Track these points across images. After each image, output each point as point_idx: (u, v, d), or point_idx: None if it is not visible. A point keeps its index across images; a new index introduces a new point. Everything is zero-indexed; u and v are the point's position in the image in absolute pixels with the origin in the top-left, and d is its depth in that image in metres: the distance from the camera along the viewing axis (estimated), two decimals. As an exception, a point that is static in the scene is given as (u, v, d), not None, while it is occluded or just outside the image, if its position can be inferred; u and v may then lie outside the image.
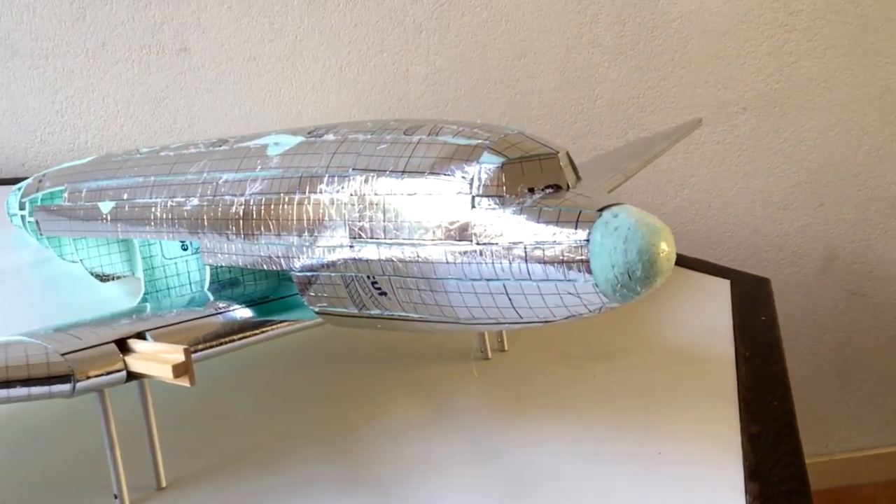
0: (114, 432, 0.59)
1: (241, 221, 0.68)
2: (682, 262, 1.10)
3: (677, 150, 1.70)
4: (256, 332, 0.66)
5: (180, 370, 0.53)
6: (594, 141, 1.68)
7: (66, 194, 0.90)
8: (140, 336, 0.60)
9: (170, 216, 0.74)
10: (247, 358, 0.81)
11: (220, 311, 0.66)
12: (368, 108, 1.56)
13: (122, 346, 0.60)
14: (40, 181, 0.97)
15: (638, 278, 0.51)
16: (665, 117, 1.69)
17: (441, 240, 0.57)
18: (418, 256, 0.58)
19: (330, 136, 0.67)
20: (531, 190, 0.57)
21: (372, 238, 0.60)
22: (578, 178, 0.60)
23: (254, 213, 0.67)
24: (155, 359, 0.55)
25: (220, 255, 0.71)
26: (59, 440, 0.68)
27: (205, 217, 0.71)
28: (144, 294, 0.78)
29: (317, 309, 0.66)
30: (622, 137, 1.69)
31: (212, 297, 0.71)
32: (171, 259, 0.80)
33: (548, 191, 0.57)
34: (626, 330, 0.91)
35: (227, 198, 0.70)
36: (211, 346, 0.63)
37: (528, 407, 0.75)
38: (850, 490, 1.89)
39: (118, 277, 0.94)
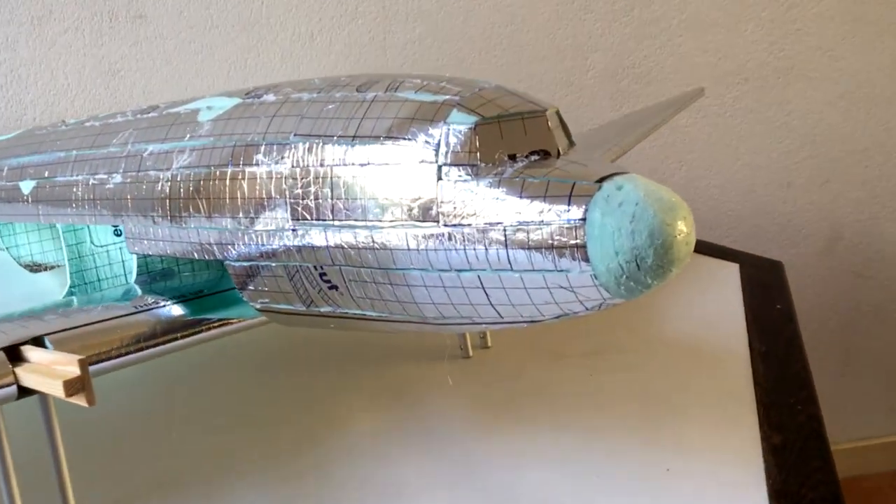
0: (8, 456, 0.48)
1: (167, 201, 0.57)
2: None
3: (674, 124, 1.60)
4: (187, 334, 0.55)
5: (74, 387, 0.42)
6: (586, 114, 1.57)
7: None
8: (38, 342, 0.49)
9: (91, 196, 0.63)
10: (185, 362, 0.70)
11: (142, 308, 0.55)
12: (343, 81, 1.44)
13: (15, 354, 0.49)
14: None
15: (649, 268, 0.41)
16: (662, 89, 1.58)
17: (401, 221, 0.47)
18: (374, 242, 0.47)
19: (270, 97, 0.56)
20: (512, 157, 0.45)
21: (318, 219, 0.49)
22: (572, 144, 0.49)
23: (181, 191, 0.56)
24: (48, 371, 0.44)
25: (146, 242, 0.59)
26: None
27: (128, 196, 0.60)
28: (70, 287, 0.67)
29: (258, 306, 0.55)
30: (616, 111, 1.58)
31: (139, 291, 0.60)
32: (101, 247, 0.69)
33: (533, 158, 0.46)
34: (623, 323, 0.81)
35: (151, 173, 0.58)
36: (127, 353, 0.52)
37: (513, 414, 0.64)
38: (856, 481, 1.80)
39: (51, 267, 0.83)
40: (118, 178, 0.61)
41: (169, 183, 0.57)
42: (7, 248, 0.81)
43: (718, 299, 0.85)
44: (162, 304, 0.56)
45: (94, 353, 0.50)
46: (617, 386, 0.69)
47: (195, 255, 0.56)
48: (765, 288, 0.87)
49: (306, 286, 0.51)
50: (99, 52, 1.34)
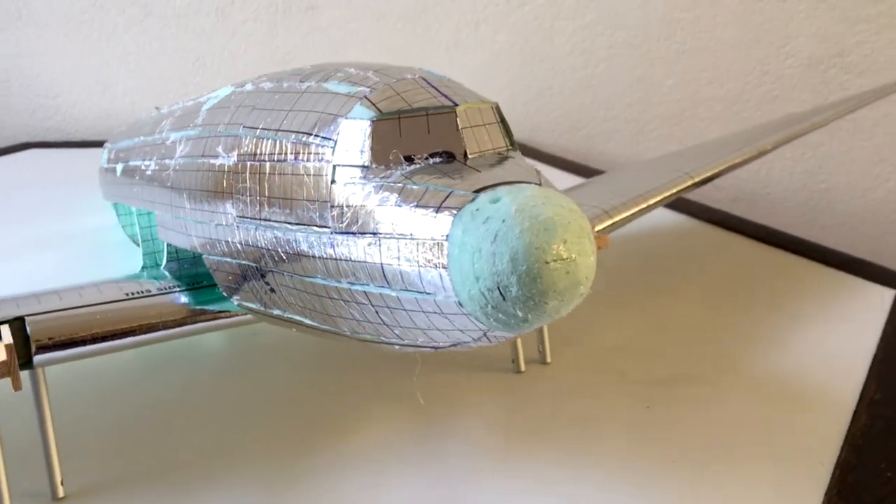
0: None
1: (170, 192, 0.57)
2: (829, 259, 0.85)
3: (885, 131, 1.38)
4: (173, 324, 0.54)
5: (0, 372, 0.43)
6: (782, 107, 1.39)
7: (109, 154, 0.84)
8: (18, 321, 0.50)
9: (142, 182, 0.65)
10: (202, 353, 0.70)
11: (135, 295, 0.55)
12: (507, 70, 1.39)
13: None
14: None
15: (515, 298, 0.33)
16: (876, 80, 1.37)
17: (303, 224, 0.43)
18: (287, 245, 0.44)
19: (248, 87, 0.54)
20: (409, 158, 0.40)
21: (251, 217, 0.46)
22: (510, 147, 0.43)
23: (177, 181, 0.56)
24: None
25: (163, 231, 0.60)
26: None
27: (155, 185, 0.61)
28: (142, 267, 0.70)
29: (235, 302, 0.53)
30: (820, 105, 1.39)
31: (167, 276, 0.61)
32: None
33: (434, 160, 0.40)
34: (713, 345, 0.70)
35: (165, 161, 0.59)
36: (104, 338, 0.52)
37: (542, 444, 0.57)
38: None
39: None
40: (152, 167, 0.62)
41: (170, 173, 0.57)
42: (123, 227, 0.87)
43: (850, 329, 0.71)
44: (170, 291, 0.56)
45: (70, 336, 0.50)
46: (672, 423, 0.59)
47: (188, 247, 0.56)
48: (916, 323, 0.72)
49: (255, 286, 0.49)
50: (274, 41, 1.41)
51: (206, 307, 0.56)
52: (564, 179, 1.19)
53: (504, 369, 0.67)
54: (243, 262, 0.48)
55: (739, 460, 0.55)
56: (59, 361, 0.51)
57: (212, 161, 0.50)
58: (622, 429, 0.59)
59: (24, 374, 0.51)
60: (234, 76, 1.43)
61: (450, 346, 0.40)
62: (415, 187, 0.37)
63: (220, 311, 0.55)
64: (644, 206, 0.69)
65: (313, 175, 0.42)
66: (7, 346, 0.43)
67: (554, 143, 1.43)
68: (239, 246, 0.48)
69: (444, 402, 0.62)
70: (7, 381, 0.48)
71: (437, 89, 0.42)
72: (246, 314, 0.54)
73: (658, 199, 0.70)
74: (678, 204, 1.05)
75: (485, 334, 0.37)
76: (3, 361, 0.43)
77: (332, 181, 0.41)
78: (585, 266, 0.34)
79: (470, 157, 0.40)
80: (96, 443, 0.58)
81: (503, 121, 0.43)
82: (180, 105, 0.67)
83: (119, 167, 0.76)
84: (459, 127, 0.40)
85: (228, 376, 0.67)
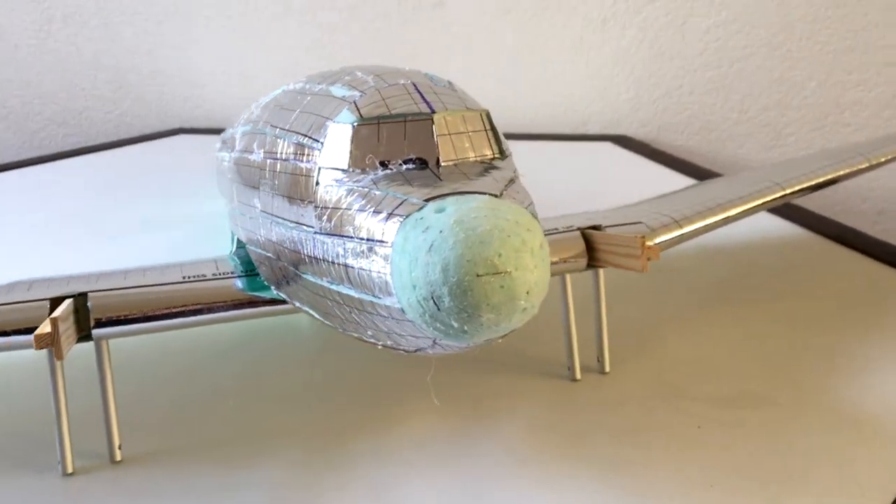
0: (61, 393, 0.55)
1: (229, 183, 0.60)
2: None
3: None
4: (229, 307, 0.57)
5: (43, 341, 0.47)
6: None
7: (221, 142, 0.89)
8: (82, 296, 0.55)
9: (219, 170, 0.69)
10: (269, 338, 0.73)
11: (191, 278, 0.58)
12: (634, 68, 1.36)
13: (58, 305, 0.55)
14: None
15: (448, 310, 0.32)
16: None
17: (297, 223, 0.44)
18: (290, 241, 0.45)
19: (290, 86, 0.55)
20: (384, 163, 0.40)
21: (268, 212, 0.48)
22: (498, 155, 0.42)
23: (231, 174, 0.58)
24: (44, 323, 0.49)
25: (230, 219, 0.63)
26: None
27: (224, 175, 0.64)
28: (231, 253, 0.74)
29: (274, 291, 0.55)
30: None
31: (235, 262, 0.64)
32: None
33: (407, 167, 0.40)
34: (792, 368, 0.65)
35: (230, 154, 0.62)
36: (163, 317, 0.55)
37: (585, 456, 0.55)
38: None
39: None
40: (225, 158, 0.65)
41: (231, 165, 0.60)
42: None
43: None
44: (213, 277, 0.58)
45: (126, 313, 0.54)
46: (721, 446, 0.56)
47: (240, 236, 0.58)
48: None
49: (278, 277, 0.51)
50: (403, 37, 1.44)
51: (257, 294, 0.58)
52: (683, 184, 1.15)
53: (560, 376, 0.65)
54: (268, 253, 0.50)
55: (783, 493, 0.51)
56: (116, 336, 0.54)
57: (249, 156, 0.53)
58: (665, 446, 0.56)
59: (89, 346, 0.55)
60: (364, 70, 1.47)
61: (415, 351, 0.40)
62: (377, 193, 0.38)
63: (271, 300, 0.58)
64: (721, 217, 0.66)
65: (304, 175, 0.43)
66: (52, 320, 0.47)
67: (682, 144, 1.38)
68: (262, 238, 0.50)
69: (488, 405, 0.62)
70: (76, 351, 0.53)
71: (421, 95, 0.42)
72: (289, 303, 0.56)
73: (738, 210, 0.66)
74: (790, 213, 0.98)
75: (434, 342, 0.37)
76: (48, 333, 0.47)
77: (317, 182, 0.42)
78: (524, 281, 0.33)
79: (443, 164, 0.40)
80: (156, 416, 0.61)
81: (493, 128, 0.43)
82: (256, 102, 0.70)
83: (221, 155, 0.80)
84: (435, 134, 0.40)
85: (283, 363, 0.69)
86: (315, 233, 0.41)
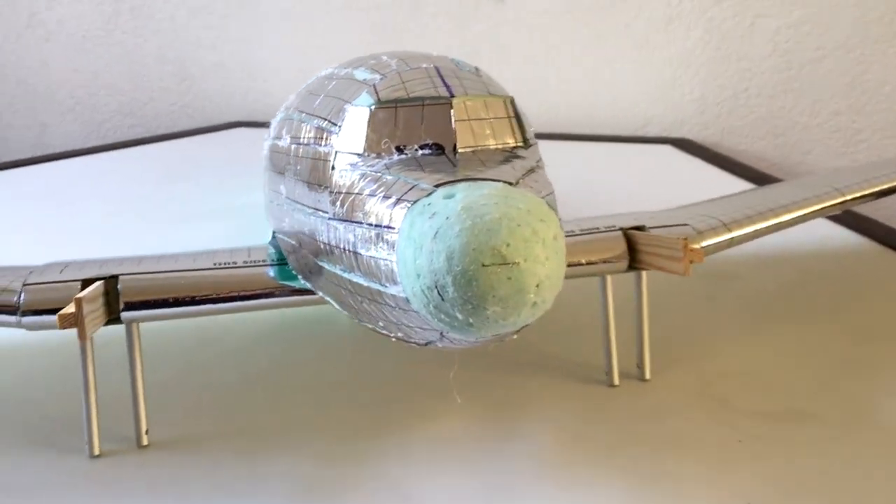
0: (91, 375, 0.55)
1: (265, 172, 0.59)
2: None
3: None
4: (258, 295, 0.56)
5: (68, 321, 0.47)
6: None
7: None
8: (113, 279, 0.55)
9: (262, 158, 0.69)
10: (302, 329, 0.72)
11: (221, 265, 0.57)
12: (699, 69, 1.31)
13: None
14: None
15: (452, 300, 0.31)
16: None
17: (315, 208, 0.43)
18: (308, 227, 0.44)
19: (323, 72, 0.54)
20: (400, 148, 0.39)
21: (292, 198, 0.47)
22: (521, 144, 0.40)
23: (265, 161, 0.58)
24: (68, 304, 0.49)
25: (265, 207, 0.63)
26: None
27: (262, 162, 0.64)
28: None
29: (301, 280, 0.54)
30: None
31: (270, 250, 0.63)
32: None
33: (423, 152, 0.38)
34: (848, 385, 0.61)
35: (267, 142, 0.61)
36: (191, 302, 0.55)
37: (613, 464, 0.53)
38: None
39: None
40: (264, 146, 0.65)
41: (266, 153, 0.59)
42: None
43: None
44: (244, 264, 0.57)
45: (154, 297, 0.54)
46: (762, 464, 0.52)
47: (271, 225, 0.58)
48: None
49: (302, 266, 0.50)
50: (462, 34, 1.42)
51: (287, 283, 0.57)
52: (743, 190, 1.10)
53: (597, 381, 0.63)
54: (292, 241, 0.49)
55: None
56: (145, 319, 0.54)
57: (278, 143, 0.52)
58: (702, 460, 0.53)
59: (119, 329, 0.55)
60: (423, 67, 1.46)
61: (425, 344, 0.38)
62: (388, 177, 0.37)
63: (300, 289, 0.57)
64: (773, 222, 0.62)
65: (322, 160, 0.42)
66: (77, 300, 0.47)
67: (747, 148, 1.33)
68: (287, 226, 0.49)
69: (519, 406, 0.60)
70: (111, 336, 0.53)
71: (442, 79, 0.41)
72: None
73: (792, 216, 0.63)
74: (852, 221, 0.94)
75: (441, 335, 0.35)
76: (71, 313, 0.47)
77: (333, 167, 0.41)
78: (533, 273, 0.31)
79: (460, 150, 0.38)
80: (185, 403, 0.61)
81: (517, 115, 0.41)
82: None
83: (266, 143, 0.80)
84: (454, 119, 0.39)
85: (315, 355, 0.68)
86: (329, 219, 0.40)
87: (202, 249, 0.60)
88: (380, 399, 0.61)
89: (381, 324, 0.40)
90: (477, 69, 0.45)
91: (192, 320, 0.64)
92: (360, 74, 0.44)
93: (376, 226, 0.36)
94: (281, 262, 0.59)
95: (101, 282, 0.53)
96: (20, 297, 0.53)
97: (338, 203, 0.39)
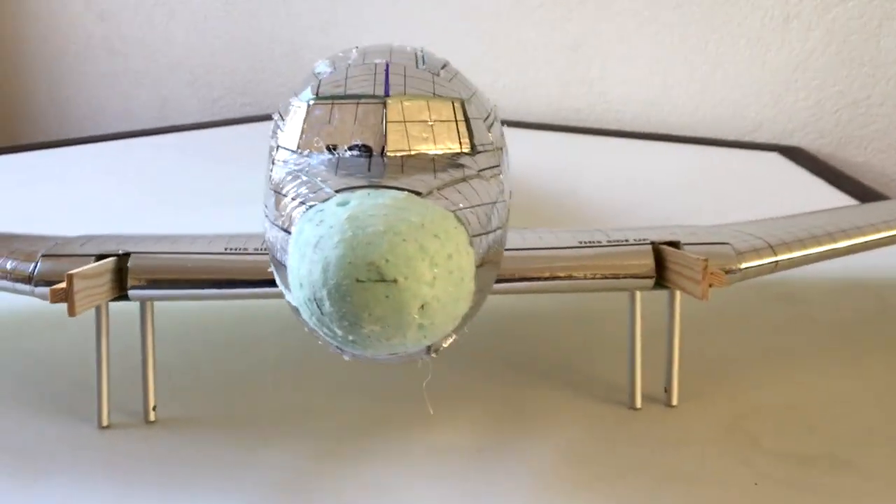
0: (104, 348, 0.56)
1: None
2: None
3: None
4: (265, 283, 0.55)
5: (58, 296, 0.48)
6: None
7: None
8: (126, 256, 0.55)
9: None
10: None
11: (233, 251, 0.57)
12: (817, 73, 1.22)
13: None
14: None
15: (329, 315, 0.29)
16: None
17: (264, 206, 0.41)
18: (275, 223, 0.43)
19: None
20: (331, 148, 0.37)
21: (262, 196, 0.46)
22: (468, 151, 0.37)
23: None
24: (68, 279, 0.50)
25: None
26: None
27: None
28: None
29: None
30: None
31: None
32: None
33: (351, 153, 0.36)
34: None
35: None
36: (199, 286, 0.55)
37: (612, 493, 0.49)
38: None
39: None
40: None
41: None
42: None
43: None
44: (255, 251, 0.54)
45: (163, 277, 0.54)
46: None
47: None
48: None
49: None
50: (565, 26, 1.38)
51: None
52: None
53: (618, 402, 0.59)
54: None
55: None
56: (151, 299, 0.55)
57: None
58: (713, 499, 0.49)
59: (132, 306, 0.56)
60: (523, 60, 1.43)
61: (340, 352, 0.36)
62: (303, 178, 0.35)
63: None
64: (828, 247, 0.57)
65: (269, 154, 0.41)
66: (68, 276, 0.48)
67: (864, 161, 1.23)
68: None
69: (527, 420, 0.57)
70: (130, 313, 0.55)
71: (386, 77, 0.39)
72: None
73: (851, 242, 0.57)
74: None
75: (339, 349, 0.33)
76: (62, 288, 0.48)
77: (273, 161, 0.40)
78: (415, 294, 0.28)
79: (389, 154, 0.36)
80: (195, 385, 0.62)
81: (466, 120, 0.38)
82: None
83: None
84: (387, 120, 0.37)
85: (326, 350, 0.67)
86: (265, 217, 0.39)
87: (221, 232, 0.60)
88: (387, 399, 0.60)
89: (305, 329, 0.39)
90: (444, 65, 0.43)
91: (212, 306, 0.64)
92: (319, 66, 0.43)
93: (283, 230, 0.35)
94: None
95: (112, 259, 0.54)
96: (36, 266, 0.54)
97: (270, 201, 0.39)
